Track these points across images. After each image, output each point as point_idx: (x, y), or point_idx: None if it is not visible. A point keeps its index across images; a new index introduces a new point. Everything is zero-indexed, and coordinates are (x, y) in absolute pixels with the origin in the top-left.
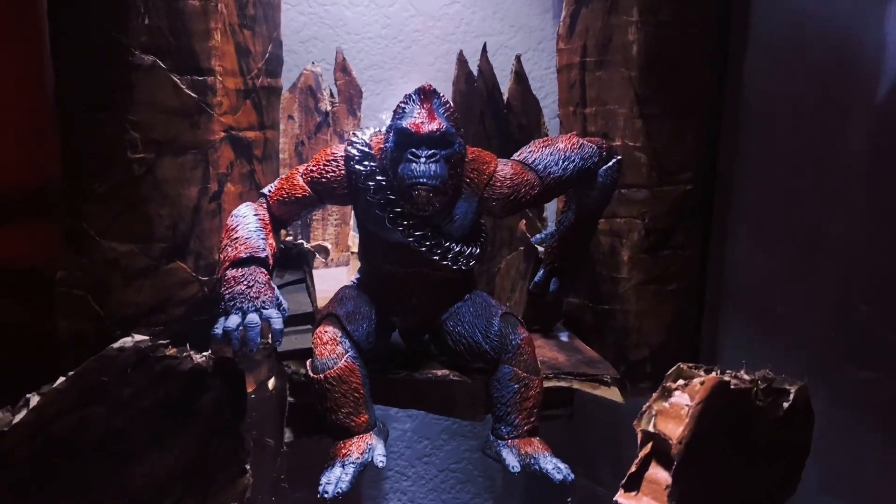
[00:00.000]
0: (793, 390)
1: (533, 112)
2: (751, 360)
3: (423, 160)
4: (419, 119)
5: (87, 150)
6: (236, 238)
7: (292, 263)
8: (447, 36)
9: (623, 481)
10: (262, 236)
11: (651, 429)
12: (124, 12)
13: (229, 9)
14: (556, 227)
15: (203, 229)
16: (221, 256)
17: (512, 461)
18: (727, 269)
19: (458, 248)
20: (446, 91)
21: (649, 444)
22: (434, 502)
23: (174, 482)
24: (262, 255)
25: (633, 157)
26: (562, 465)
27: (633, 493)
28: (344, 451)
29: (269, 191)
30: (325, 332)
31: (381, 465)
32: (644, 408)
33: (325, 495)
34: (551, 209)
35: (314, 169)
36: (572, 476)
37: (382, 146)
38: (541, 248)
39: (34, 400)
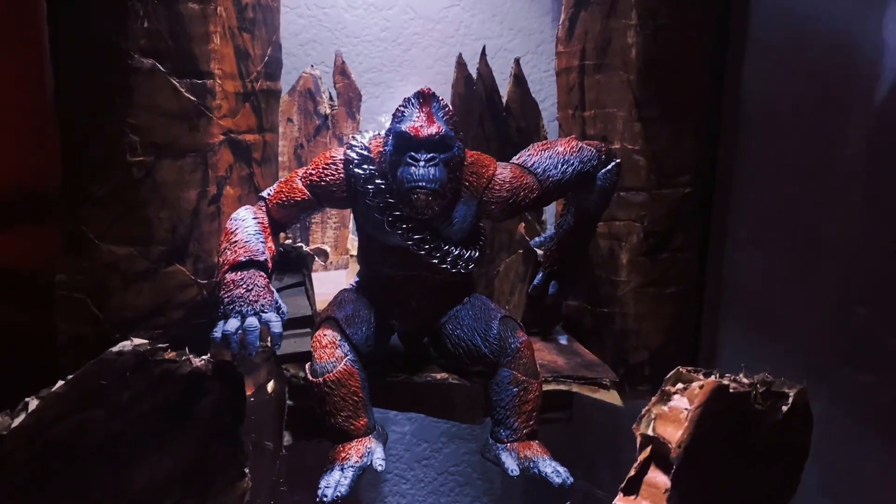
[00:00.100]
0: (792, 394)
1: (532, 115)
2: (749, 363)
3: (422, 164)
4: (418, 123)
5: (87, 153)
6: (235, 241)
7: (291, 267)
8: (446, 39)
9: (622, 485)
10: (261, 240)
11: (650, 432)
12: (123, 16)
13: (228, 12)
14: (555, 230)
15: (202, 232)
16: (220, 260)
17: (511, 464)
18: (726, 272)
19: (457, 252)
20: (445, 94)
21: (648, 448)
22: None
23: (173, 485)
24: (261, 258)
25: (631, 161)
26: (561, 469)
27: (633, 497)
28: (343, 455)
29: (268, 194)
30: (324, 335)
31: (380, 468)
32: (643, 411)
33: (325, 499)
34: (550, 212)
35: (313, 172)
36: (571, 479)
37: (381, 149)
38: (540, 252)
39: (33, 403)
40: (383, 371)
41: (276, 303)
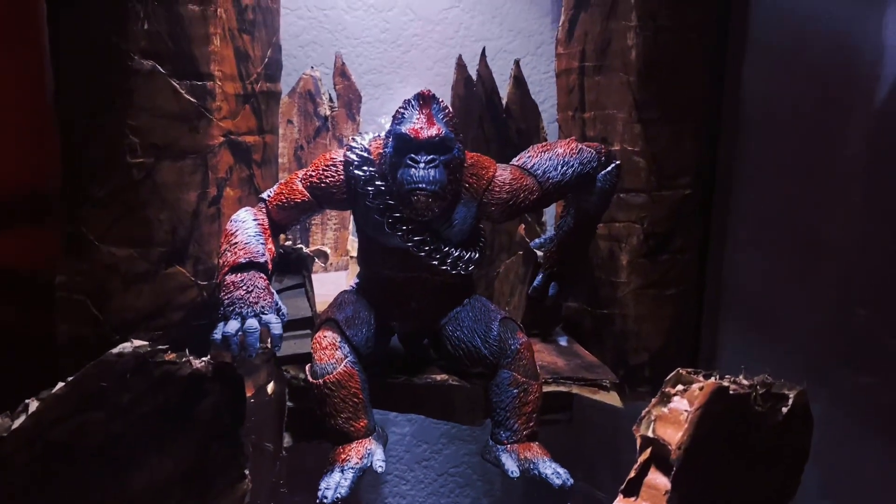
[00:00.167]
0: (792, 395)
1: (532, 116)
2: (749, 364)
3: (422, 165)
4: (418, 124)
5: (87, 154)
6: (235, 243)
7: (291, 268)
8: (446, 40)
9: (622, 486)
10: (261, 241)
11: (650, 434)
12: (124, 17)
13: (228, 14)
14: (555, 231)
15: (202, 234)
16: (220, 261)
17: (511, 466)
18: (726, 274)
19: (457, 253)
20: (445, 95)
21: (648, 450)
22: None
23: (173, 487)
24: (261, 260)
25: (631, 162)
26: (561, 470)
27: (633, 499)
28: (343, 456)
29: (269, 195)
30: (325, 336)
31: (380, 469)
32: (643, 413)
33: (325, 500)
34: (550, 213)
35: (313, 174)
36: (571, 481)
37: (382, 151)
38: (540, 253)
39: (33, 405)
40: (383, 372)
41: (277, 304)
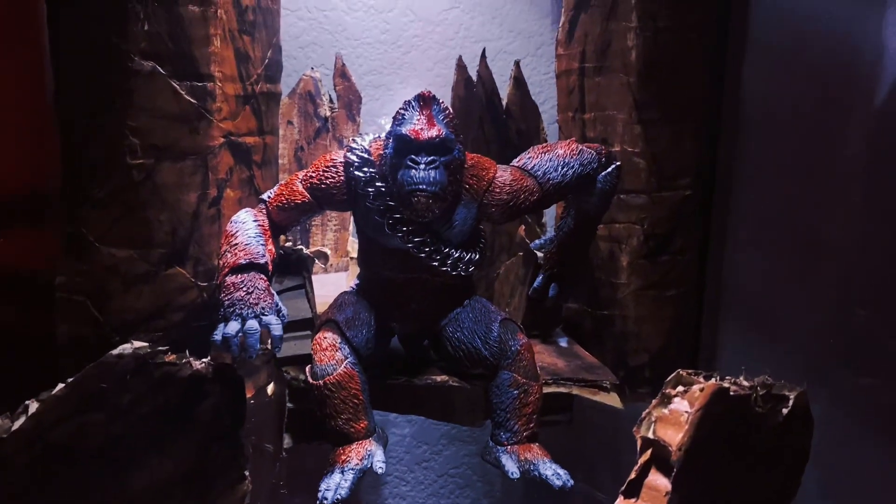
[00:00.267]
0: (792, 396)
1: (532, 117)
2: (749, 365)
3: (422, 166)
4: (418, 125)
5: (87, 155)
6: (235, 244)
7: (291, 269)
8: (446, 41)
9: (623, 488)
10: (261, 242)
11: (651, 435)
12: (124, 18)
13: (229, 15)
14: (556, 232)
15: (202, 235)
16: (221, 262)
17: (511, 467)
18: (726, 274)
19: (457, 254)
20: (445, 96)
21: (649, 451)
22: None
23: (173, 488)
24: (262, 261)
25: (631, 163)
26: (561, 471)
27: (633, 500)
28: (343, 458)
29: (269, 196)
30: (325, 338)
31: (380, 471)
32: (643, 414)
33: (325, 501)
34: (550, 214)
35: (313, 175)
36: (572, 482)
37: (382, 152)
38: (540, 254)
39: (33, 406)
40: (383, 374)
41: (277, 305)
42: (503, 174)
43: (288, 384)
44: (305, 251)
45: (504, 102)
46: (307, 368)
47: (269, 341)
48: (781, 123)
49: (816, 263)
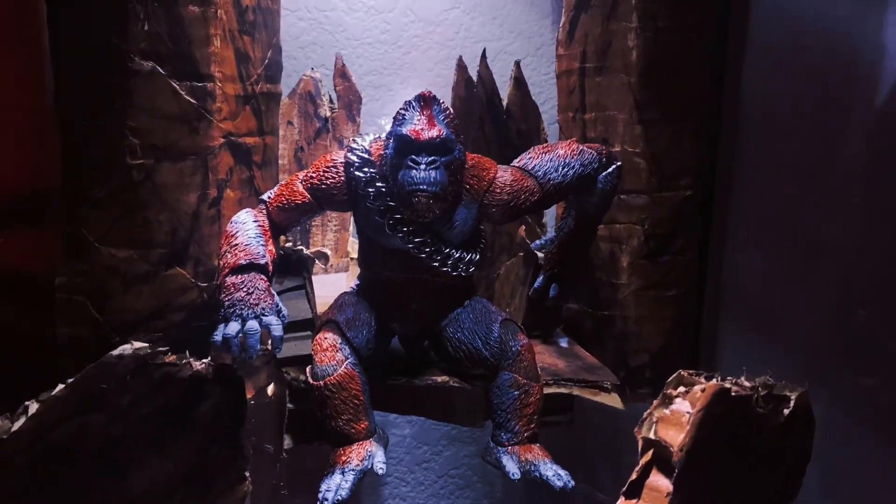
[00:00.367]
0: (793, 397)
1: (532, 118)
2: (750, 365)
3: (423, 167)
4: (419, 126)
5: (87, 155)
6: (236, 244)
7: (292, 269)
8: (446, 41)
9: (624, 488)
10: (261, 242)
11: (652, 436)
12: (124, 18)
13: (229, 15)
14: (556, 232)
15: (202, 235)
16: (221, 263)
17: (512, 468)
18: (726, 275)
19: (457, 255)
20: (445, 96)
21: (650, 452)
22: None
23: (174, 489)
24: (262, 261)
25: (632, 163)
26: (562, 472)
27: (634, 501)
28: (344, 458)
29: (269, 197)
30: (325, 338)
31: (380, 471)
32: (645, 415)
33: (325, 502)
34: (550, 214)
35: (314, 175)
36: (572, 483)
37: (382, 152)
38: (540, 254)
39: (33, 407)
40: (384, 374)
41: (277, 306)
42: (504, 174)
43: (288, 385)
44: (305, 252)
45: (504, 103)
46: (307, 369)
47: (270, 342)
48: (781, 123)
49: (817, 263)
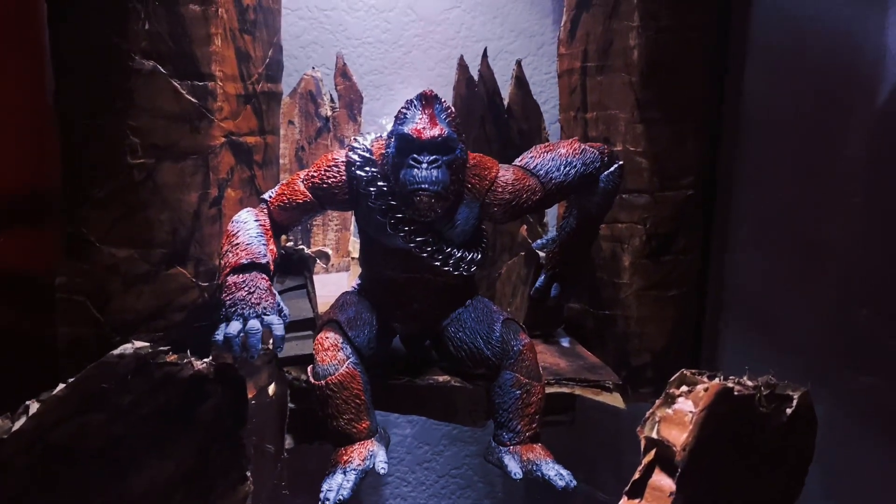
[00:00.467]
0: (796, 396)
1: (533, 117)
2: (751, 365)
3: (424, 166)
4: (421, 125)
5: (87, 155)
6: (237, 244)
7: (293, 269)
8: (447, 41)
9: (627, 488)
10: (262, 242)
11: (654, 435)
12: (124, 17)
13: (229, 14)
14: (558, 232)
15: (203, 235)
16: (222, 262)
17: (514, 467)
18: (728, 275)
19: (459, 254)
20: (447, 96)
21: (653, 451)
22: None
23: (174, 489)
24: (263, 260)
25: (634, 162)
26: (564, 472)
27: (637, 500)
28: (345, 458)
29: (270, 196)
30: (327, 338)
31: (382, 471)
32: (647, 414)
33: (327, 502)
34: (552, 214)
35: (315, 174)
36: (574, 482)
37: (384, 152)
38: (542, 254)
39: (34, 407)
40: (385, 374)
41: (278, 305)
42: (505, 173)
43: (289, 384)
44: (307, 251)
45: (506, 102)
46: (309, 368)
47: (271, 341)
48: (783, 123)
49: (818, 263)
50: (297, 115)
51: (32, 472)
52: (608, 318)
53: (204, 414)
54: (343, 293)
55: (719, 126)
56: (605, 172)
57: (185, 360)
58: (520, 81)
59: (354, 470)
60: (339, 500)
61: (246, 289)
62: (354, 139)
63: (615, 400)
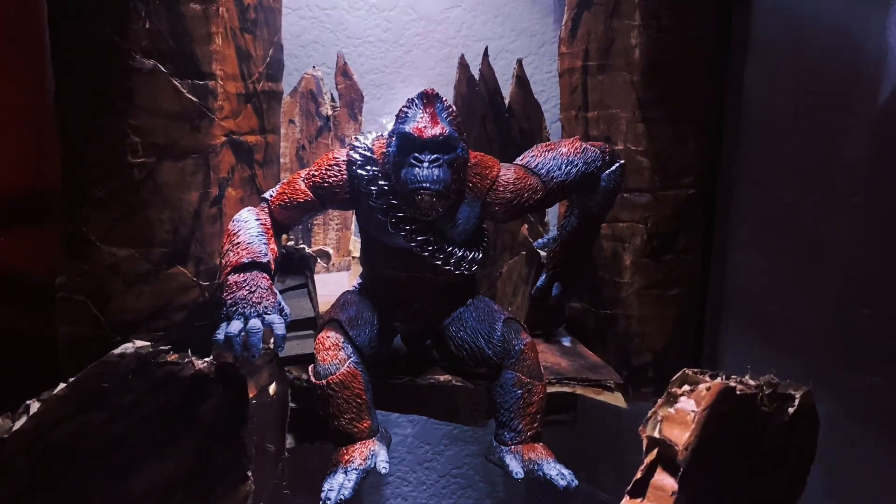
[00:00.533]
0: (798, 396)
1: (534, 116)
2: (753, 364)
3: (426, 165)
4: (422, 123)
5: (87, 154)
6: (238, 243)
7: (294, 268)
8: (448, 40)
9: (628, 487)
10: (263, 241)
11: (657, 435)
12: (125, 16)
13: (230, 13)
14: (559, 231)
15: (204, 234)
16: (223, 261)
17: (515, 467)
18: (729, 274)
19: (460, 253)
20: (447, 95)
21: (655, 450)
22: None
23: (175, 489)
24: (264, 260)
25: (635, 161)
26: (565, 471)
27: (639, 500)
28: (346, 458)
29: (271, 195)
30: (328, 337)
31: (383, 471)
32: (649, 413)
33: (328, 502)
34: (553, 213)
35: (316, 174)
36: (576, 482)
37: (385, 150)
38: (543, 253)
39: (34, 406)
40: (386, 373)
41: (279, 305)
42: (507, 172)
43: (290, 384)
44: (307, 250)
45: (507, 101)
46: (310, 368)
47: (272, 341)
48: (784, 123)
49: (819, 263)
50: (297, 114)
51: (32, 472)
52: (609, 318)
53: (205, 413)
54: (344, 292)
55: (720, 125)
56: (607, 171)
57: (186, 360)
58: (521, 80)
59: (355, 469)
60: (341, 499)
61: (247, 288)
62: (355, 138)
63: (616, 399)
